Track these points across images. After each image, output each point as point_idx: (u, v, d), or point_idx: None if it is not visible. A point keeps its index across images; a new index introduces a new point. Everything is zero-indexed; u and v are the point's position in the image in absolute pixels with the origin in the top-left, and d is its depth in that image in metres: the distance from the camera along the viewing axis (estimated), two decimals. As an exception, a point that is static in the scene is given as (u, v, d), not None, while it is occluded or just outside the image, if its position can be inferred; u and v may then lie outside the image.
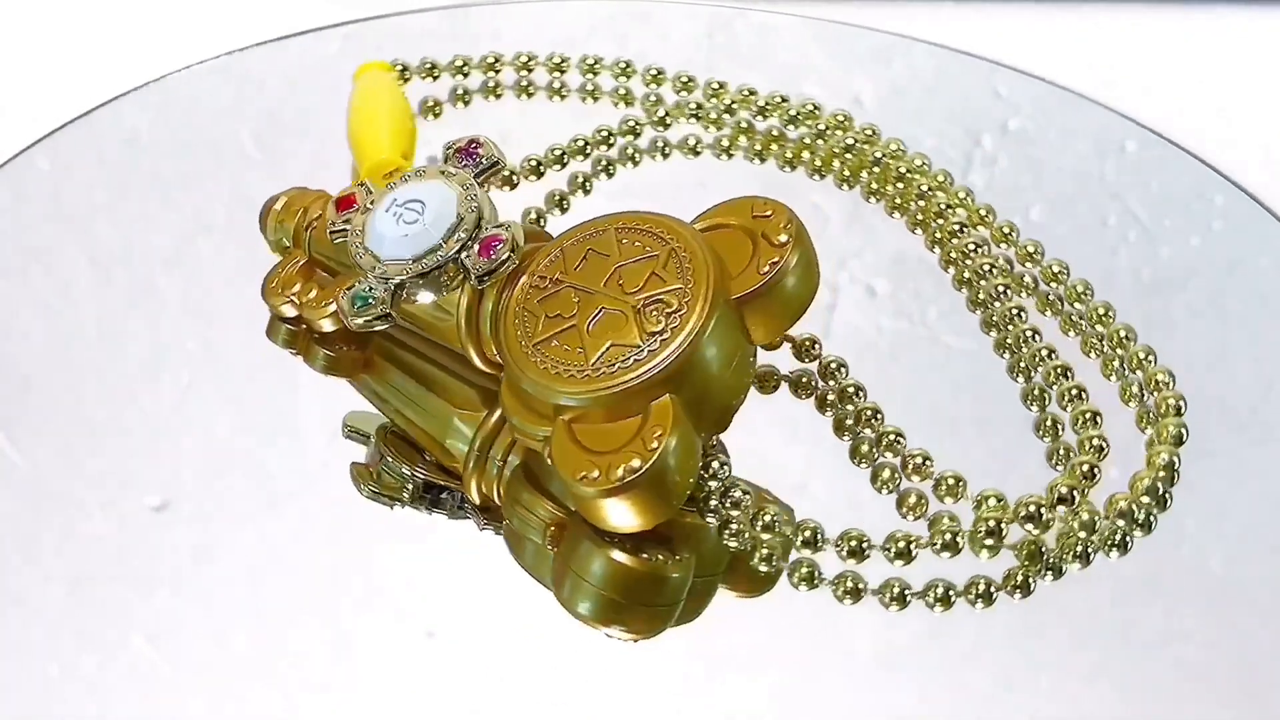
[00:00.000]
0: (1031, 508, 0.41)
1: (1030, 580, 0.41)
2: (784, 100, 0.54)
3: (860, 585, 0.41)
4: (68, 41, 0.71)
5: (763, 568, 0.41)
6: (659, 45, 0.60)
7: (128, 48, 0.70)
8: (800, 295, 0.40)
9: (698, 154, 0.53)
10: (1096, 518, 0.41)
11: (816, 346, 0.44)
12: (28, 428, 0.45)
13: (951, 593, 0.41)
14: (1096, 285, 0.49)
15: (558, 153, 0.52)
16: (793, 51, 0.60)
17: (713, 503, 0.41)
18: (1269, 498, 0.45)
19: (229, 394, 0.46)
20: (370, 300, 0.40)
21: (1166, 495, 0.43)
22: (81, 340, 0.48)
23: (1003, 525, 0.41)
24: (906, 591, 0.41)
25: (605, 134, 0.52)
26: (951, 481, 0.42)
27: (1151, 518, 0.42)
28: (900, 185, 0.52)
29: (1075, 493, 0.41)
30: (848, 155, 0.52)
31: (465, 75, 0.56)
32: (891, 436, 0.43)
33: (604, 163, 0.53)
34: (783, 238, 0.40)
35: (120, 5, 0.73)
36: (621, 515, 0.38)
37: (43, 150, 0.53)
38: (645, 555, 0.40)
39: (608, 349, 0.39)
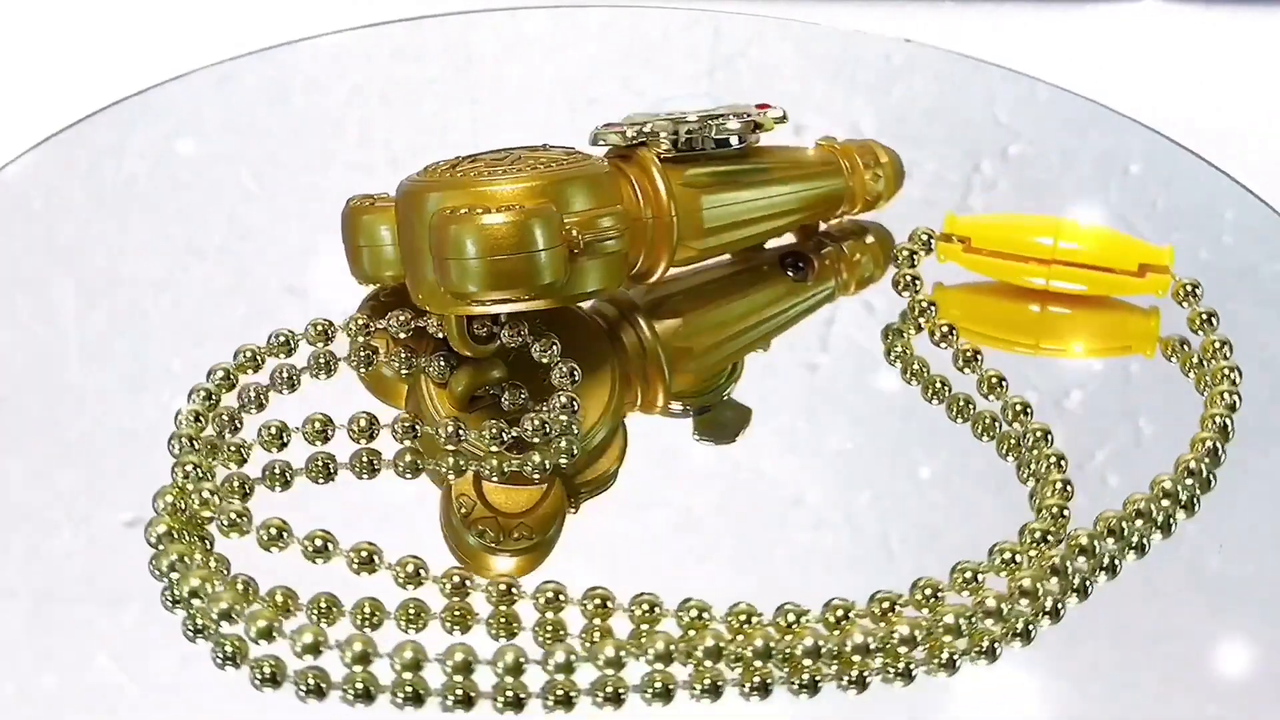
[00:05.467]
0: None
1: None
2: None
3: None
4: (56, 50, 0.71)
5: None
6: (659, 55, 0.60)
7: (117, 56, 0.70)
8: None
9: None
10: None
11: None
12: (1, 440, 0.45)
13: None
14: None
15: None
16: (800, 55, 0.60)
17: None
18: (1273, 501, 0.44)
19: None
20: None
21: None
22: (58, 354, 0.47)
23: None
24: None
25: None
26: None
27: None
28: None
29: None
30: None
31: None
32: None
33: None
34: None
35: (108, 15, 0.73)
36: None
37: (32, 160, 0.53)
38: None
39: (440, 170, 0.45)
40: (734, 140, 0.47)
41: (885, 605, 0.39)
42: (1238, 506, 0.43)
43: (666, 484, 0.45)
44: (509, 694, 0.38)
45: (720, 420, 0.45)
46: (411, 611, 0.40)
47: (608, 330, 0.47)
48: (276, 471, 0.43)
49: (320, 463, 0.43)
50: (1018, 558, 0.41)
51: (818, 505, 0.44)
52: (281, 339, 0.46)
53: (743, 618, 0.39)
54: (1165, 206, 0.54)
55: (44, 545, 0.42)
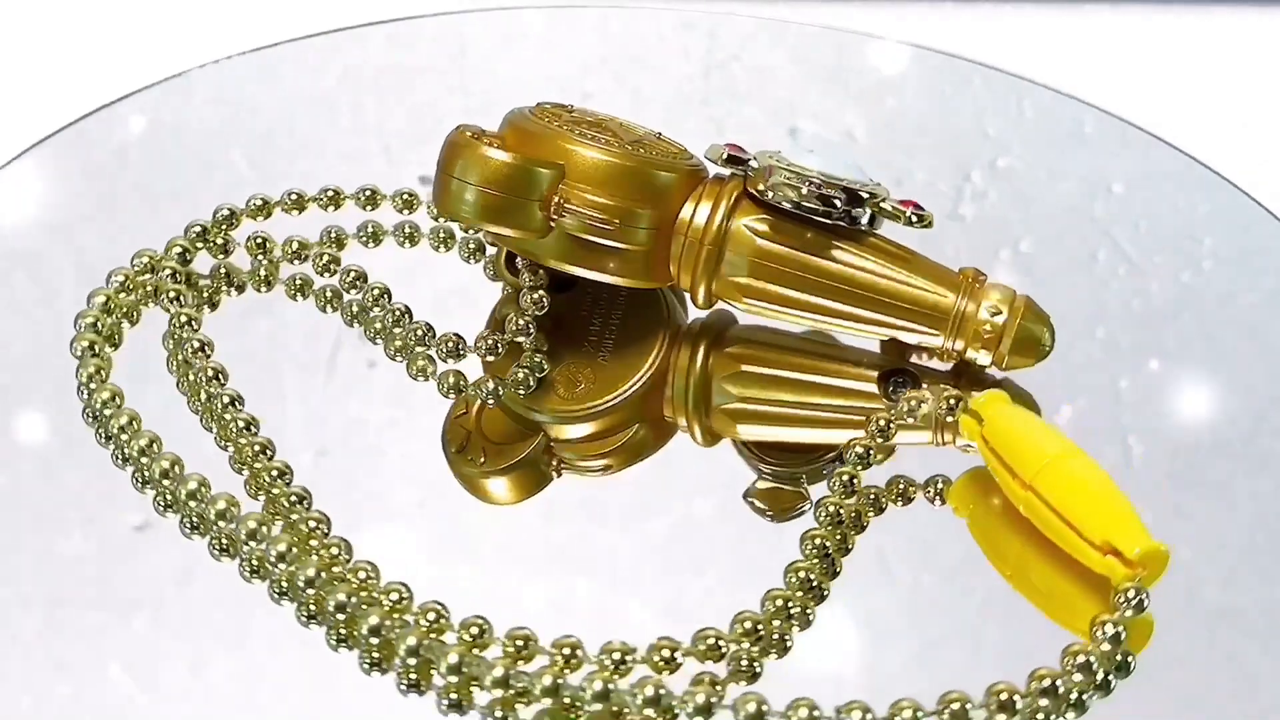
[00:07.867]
0: None
1: None
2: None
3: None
4: (57, 48, 0.71)
5: None
6: (652, 55, 0.60)
7: (116, 55, 0.70)
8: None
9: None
10: None
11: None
12: (6, 442, 0.44)
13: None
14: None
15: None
16: (793, 56, 0.60)
17: None
18: (1263, 527, 0.44)
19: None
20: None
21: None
22: (63, 352, 0.46)
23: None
24: None
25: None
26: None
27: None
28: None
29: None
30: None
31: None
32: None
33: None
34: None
35: (107, 13, 0.72)
36: None
37: (33, 158, 0.53)
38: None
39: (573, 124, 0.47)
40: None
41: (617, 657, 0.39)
42: (1234, 535, 0.43)
43: (666, 490, 0.45)
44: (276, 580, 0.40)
45: (776, 495, 0.44)
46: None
47: (674, 336, 0.47)
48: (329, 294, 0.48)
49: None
50: (721, 644, 0.39)
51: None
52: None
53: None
54: (1163, 211, 0.54)
55: (53, 549, 0.42)
